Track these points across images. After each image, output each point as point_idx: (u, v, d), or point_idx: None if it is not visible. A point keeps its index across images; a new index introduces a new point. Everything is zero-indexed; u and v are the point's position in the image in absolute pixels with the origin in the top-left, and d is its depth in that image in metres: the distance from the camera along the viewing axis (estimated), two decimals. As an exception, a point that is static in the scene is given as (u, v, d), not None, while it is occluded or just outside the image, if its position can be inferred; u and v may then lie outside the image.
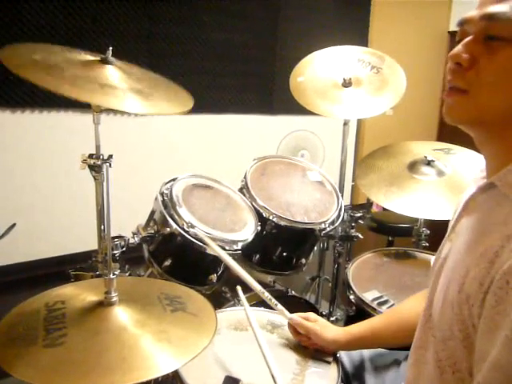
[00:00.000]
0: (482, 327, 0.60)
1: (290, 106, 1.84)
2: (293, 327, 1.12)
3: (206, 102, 3.28)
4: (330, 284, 2.02)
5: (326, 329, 1.09)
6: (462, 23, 0.68)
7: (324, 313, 1.85)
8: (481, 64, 0.64)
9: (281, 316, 1.17)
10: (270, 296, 1.16)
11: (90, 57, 1.25)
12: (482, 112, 0.66)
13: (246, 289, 1.17)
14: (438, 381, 0.70)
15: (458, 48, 0.66)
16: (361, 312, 1.44)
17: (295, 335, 1.12)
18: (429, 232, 1.87)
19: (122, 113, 3.03)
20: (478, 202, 0.74)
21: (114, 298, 0.86)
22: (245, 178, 1.62)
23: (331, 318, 1.92)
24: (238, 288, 1.16)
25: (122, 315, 0.85)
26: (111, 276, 0.86)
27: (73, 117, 2.82)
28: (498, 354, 0.55)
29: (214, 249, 1.26)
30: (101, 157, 1.32)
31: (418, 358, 0.78)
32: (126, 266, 1.36)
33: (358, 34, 4.06)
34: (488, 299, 0.58)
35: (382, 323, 1.09)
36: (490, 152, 0.71)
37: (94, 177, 1.34)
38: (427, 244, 1.85)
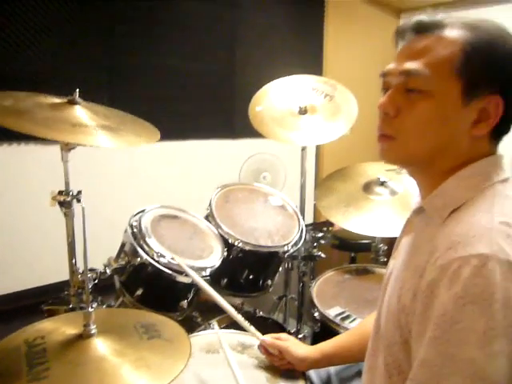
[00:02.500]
0: (414, 333, 0.69)
1: (250, 129, 1.93)
2: (264, 348, 1.17)
3: (168, 130, 3.30)
4: (297, 302, 2.10)
5: (297, 346, 1.15)
6: (385, 75, 0.79)
7: (292, 331, 1.91)
8: (404, 114, 0.75)
9: (253, 337, 1.23)
10: (242, 318, 1.23)
11: (56, 99, 1.32)
12: (409, 155, 0.77)
13: (219, 311, 1.23)
14: (388, 383, 0.79)
15: (385, 99, 0.77)
16: (325, 328, 1.51)
17: (267, 356, 1.18)
18: (386, 248, 1.99)
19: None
20: (414, 224, 0.86)
21: (93, 330, 0.91)
22: (210, 205, 1.69)
23: (299, 336, 1.98)
24: (214, 322, 1.23)
25: (101, 346, 0.89)
26: (90, 309, 0.91)
27: (41, 149, 2.80)
28: (424, 352, 0.65)
29: (192, 276, 1.33)
30: (70, 193, 1.37)
31: (371, 364, 0.87)
32: (99, 298, 1.39)
33: (313, 62, 4.22)
34: (418, 307, 0.68)
35: (350, 340, 1.15)
36: (420, 181, 0.83)
37: (64, 213, 1.38)
38: (385, 259, 1.97)
